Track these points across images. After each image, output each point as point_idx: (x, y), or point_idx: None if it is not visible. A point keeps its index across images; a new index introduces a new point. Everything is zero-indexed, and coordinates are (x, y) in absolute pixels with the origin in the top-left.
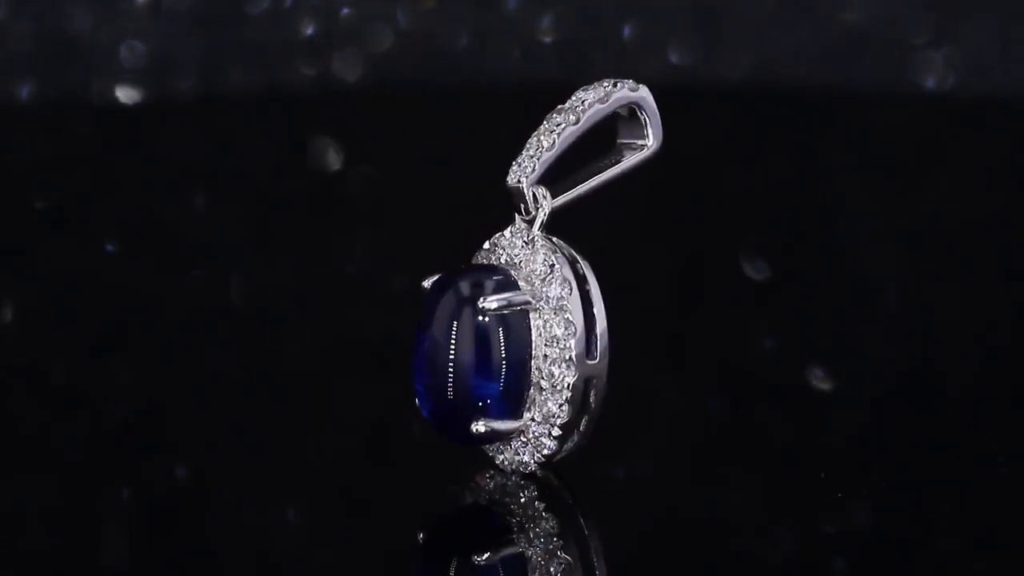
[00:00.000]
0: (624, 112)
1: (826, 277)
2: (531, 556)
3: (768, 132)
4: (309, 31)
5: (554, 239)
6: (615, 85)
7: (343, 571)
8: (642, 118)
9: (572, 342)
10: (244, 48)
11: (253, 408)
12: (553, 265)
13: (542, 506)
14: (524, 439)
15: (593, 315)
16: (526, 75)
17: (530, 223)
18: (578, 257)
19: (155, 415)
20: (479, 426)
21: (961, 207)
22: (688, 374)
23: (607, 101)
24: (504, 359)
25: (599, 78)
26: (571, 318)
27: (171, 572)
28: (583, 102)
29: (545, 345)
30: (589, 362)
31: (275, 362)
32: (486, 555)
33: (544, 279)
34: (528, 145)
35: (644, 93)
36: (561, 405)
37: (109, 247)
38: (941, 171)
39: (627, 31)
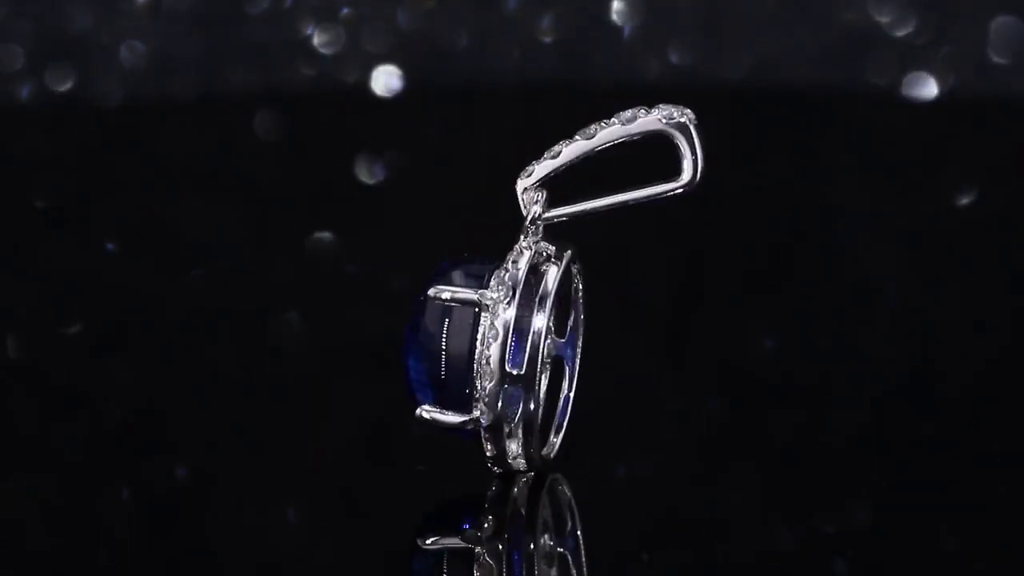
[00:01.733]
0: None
1: (826, 277)
2: (465, 553)
3: (768, 132)
4: (309, 31)
5: (543, 243)
6: (649, 110)
7: (343, 571)
8: (680, 149)
9: (493, 347)
10: (244, 48)
11: (253, 408)
12: (507, 269)
13: (485, 506)
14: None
15: (530, 326)
16: (526, 75)
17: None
18: (553, 266)
19: (155, 415)
20: (421, 411)
21: (961, 207)
22: (688, 374)
23: (631, 124)
24: (442, 350)
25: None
26: (496, 324)
27: (171, 572)
28: (611, 120)
29: (480, 345)
30: (512, 371)
31: (275, 362)
32: (430, 541)
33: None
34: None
35: (678, 125)
36: (480, 408)
37: (109, 247)
38: (941, 171)
39: (627, 31)
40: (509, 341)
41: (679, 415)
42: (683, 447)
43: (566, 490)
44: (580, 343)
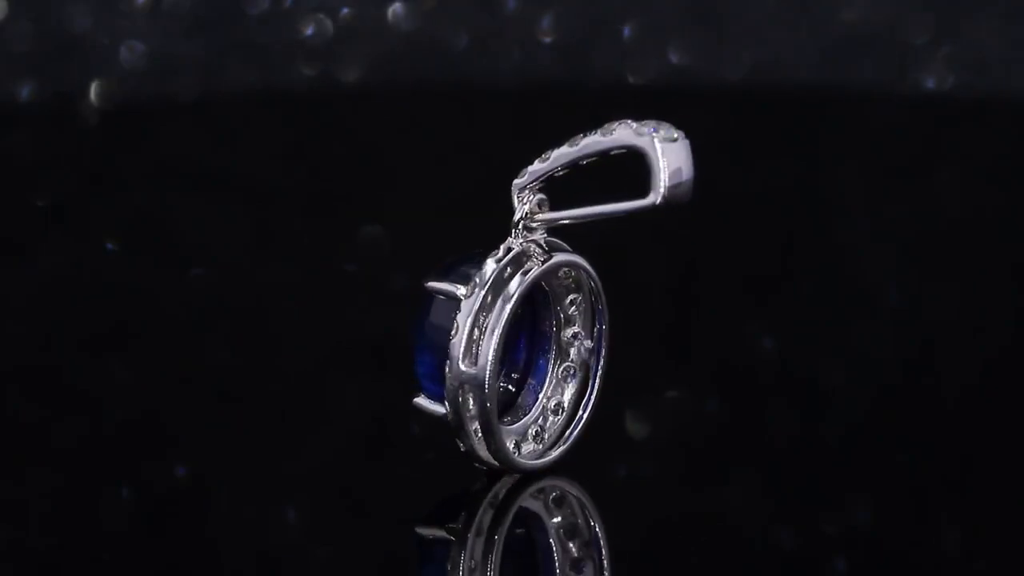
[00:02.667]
0: None
1: (826, 277)
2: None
3: (768, 132)
4: (309, 31)
5: (532, 244)
6: (626, 123)
7: (343, 571)
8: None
9: (453, 342)
10: (244, 48)
11: (253, 407)
12: (480, 266)
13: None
14: None
15: (484, 324)
16: (526, 75)
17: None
18: (536, 266)
19: (155, 415)
20: (415, 400)
21: (961, 207)
22: (688, 374)
23: (610, 136)
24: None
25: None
26: (458, 319)
27: (171, 572)
28: (595, 131)
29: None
30: (465, 368)
31: (275, 361)
32: (430, 530)
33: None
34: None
35: (644, 142)
36: (445, 404)
37: (109, 246)
38: (941, 171)
39: (627, 31)
40: (463, 337)
41: (679, 415)
42: (683, 447)
43: (539, 490)
44: (603, 356)
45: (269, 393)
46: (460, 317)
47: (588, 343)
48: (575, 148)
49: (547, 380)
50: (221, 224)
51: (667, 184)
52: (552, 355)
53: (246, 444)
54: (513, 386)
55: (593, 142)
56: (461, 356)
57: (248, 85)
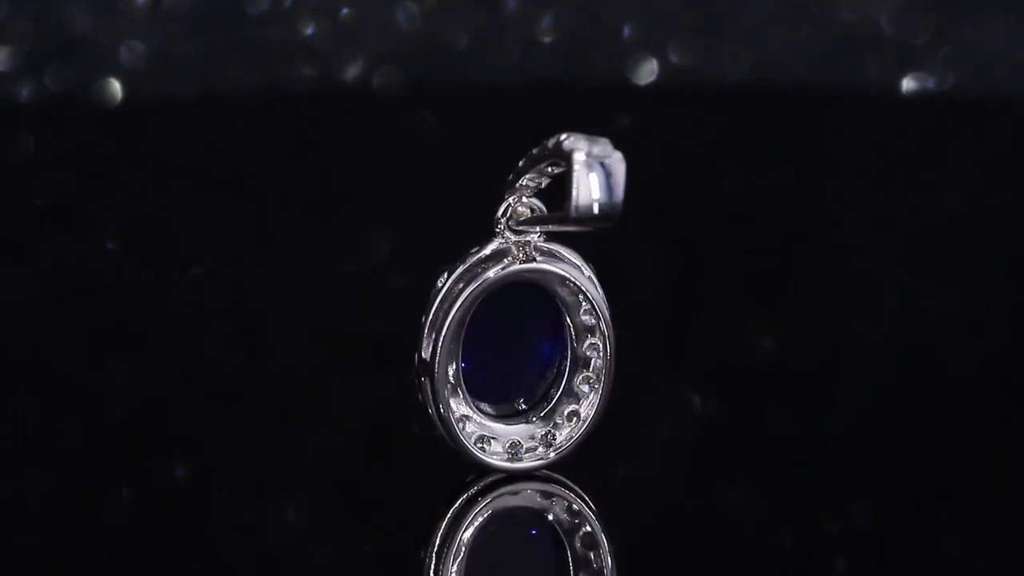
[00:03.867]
0: None
1: (826, 277)
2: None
3: (768, 132)
4: (309, 31)
5: (512, 244)
6: (570, 136)
7: (343, 571)
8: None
9: (424, 336)
10: (244, 48)
11: (253, 407)
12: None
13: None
14: None
15: (442, 319)
16: (526, 75)
17: None
18: (513, 264)
19: (155, 415)
20: None
21: (961, 207)
22: (688, 374)
23: (552, 145)
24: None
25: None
26: (425, 311)
27: (171, 572)
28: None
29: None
30: (424, 356)
31: (275, 361)
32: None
33: None
34: None
35: (574, 156)
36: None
37: (109, 246)
38: (941, 170)
39: (627, 31)
40: (425, 329)
41: (679, 415)
42: (683, 447)
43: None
44: (609, 365)
45: (269, 393)
46: (427, 311)
47: (603, 354)
48: (541, 153)
49: (562, 386)
50: (221, 224)
51: (577, 201)
52: (569, 363)
53: (246, 444)
54: (535, 397)
55: (545, 150)
56: (423, 347)
57: (248, 85)
